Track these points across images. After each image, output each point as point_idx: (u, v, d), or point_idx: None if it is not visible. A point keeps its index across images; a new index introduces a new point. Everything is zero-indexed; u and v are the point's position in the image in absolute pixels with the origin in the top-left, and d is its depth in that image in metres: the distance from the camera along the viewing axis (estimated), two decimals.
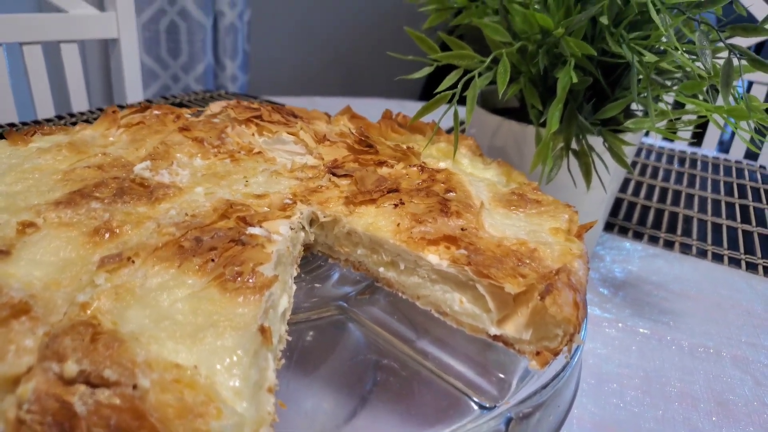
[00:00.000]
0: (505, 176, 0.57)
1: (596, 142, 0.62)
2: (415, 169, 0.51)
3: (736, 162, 1.25)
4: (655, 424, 0.52)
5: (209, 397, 0.26)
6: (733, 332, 0.66)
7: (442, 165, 0.55)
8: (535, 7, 0.61)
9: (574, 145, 0.61)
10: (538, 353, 0.36)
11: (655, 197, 1.03)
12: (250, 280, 0.33)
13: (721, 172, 1.18)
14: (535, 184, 0.54)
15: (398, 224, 0.42)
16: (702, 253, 0.84)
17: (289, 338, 0.36)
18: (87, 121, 1.04)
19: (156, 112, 0.57)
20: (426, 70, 0.59)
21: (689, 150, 1.32)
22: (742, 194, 1.08)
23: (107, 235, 0.36)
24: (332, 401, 0.43)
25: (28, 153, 0.48)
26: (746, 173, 1.19)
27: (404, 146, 0.56)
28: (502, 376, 0.40)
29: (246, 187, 0.46)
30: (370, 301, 0.47)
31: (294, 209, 0.43)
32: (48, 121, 1.03)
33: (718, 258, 0.83)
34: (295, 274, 0.42)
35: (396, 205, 0.45)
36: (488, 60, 0.58)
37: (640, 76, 0.56)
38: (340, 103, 1.41)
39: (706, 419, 0.53)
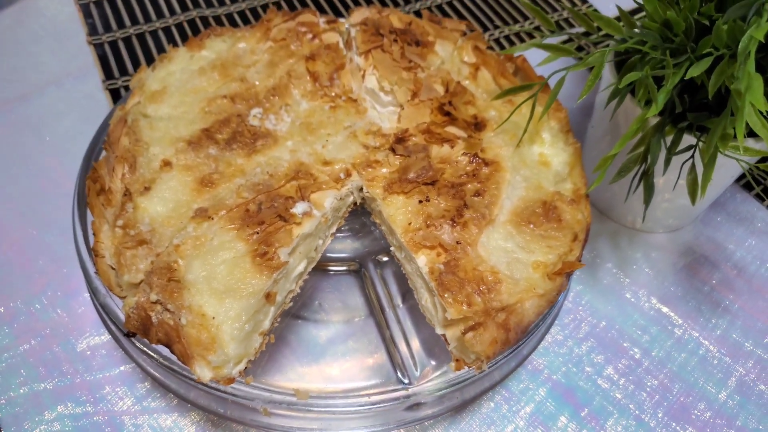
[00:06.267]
0: (569, 167, 0.61)
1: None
2: (466, 158, 0.58)
3: None
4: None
5: (213, 339, 0.46)
6: None
7: (503, 153, 0.60)
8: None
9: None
10: (457, 360, 0.50)
11: None
12: (270, 261, 0.49)
13: None
14: (583, 191, 0.58)
15: (410, 223, 0.54)
16: None
17: (299, 291, 0.54)
18: None
19: (301, 29, 0.68)
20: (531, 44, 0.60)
21: None
22: None
23: (208, 186, 0.55)
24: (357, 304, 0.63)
25: (194, 67, 0.65)
26: None
27: (481, 116, 0.62)
28: (433, 363, 0.55)
29: (323, 148, 0.59)
30: (390, 263, 0.62)
31: (346, 182, 0.57)
32: None
33: None
34: (335, 230, 0.58)
35: (421, 201, 0.55)
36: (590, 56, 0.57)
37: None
38: None
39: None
